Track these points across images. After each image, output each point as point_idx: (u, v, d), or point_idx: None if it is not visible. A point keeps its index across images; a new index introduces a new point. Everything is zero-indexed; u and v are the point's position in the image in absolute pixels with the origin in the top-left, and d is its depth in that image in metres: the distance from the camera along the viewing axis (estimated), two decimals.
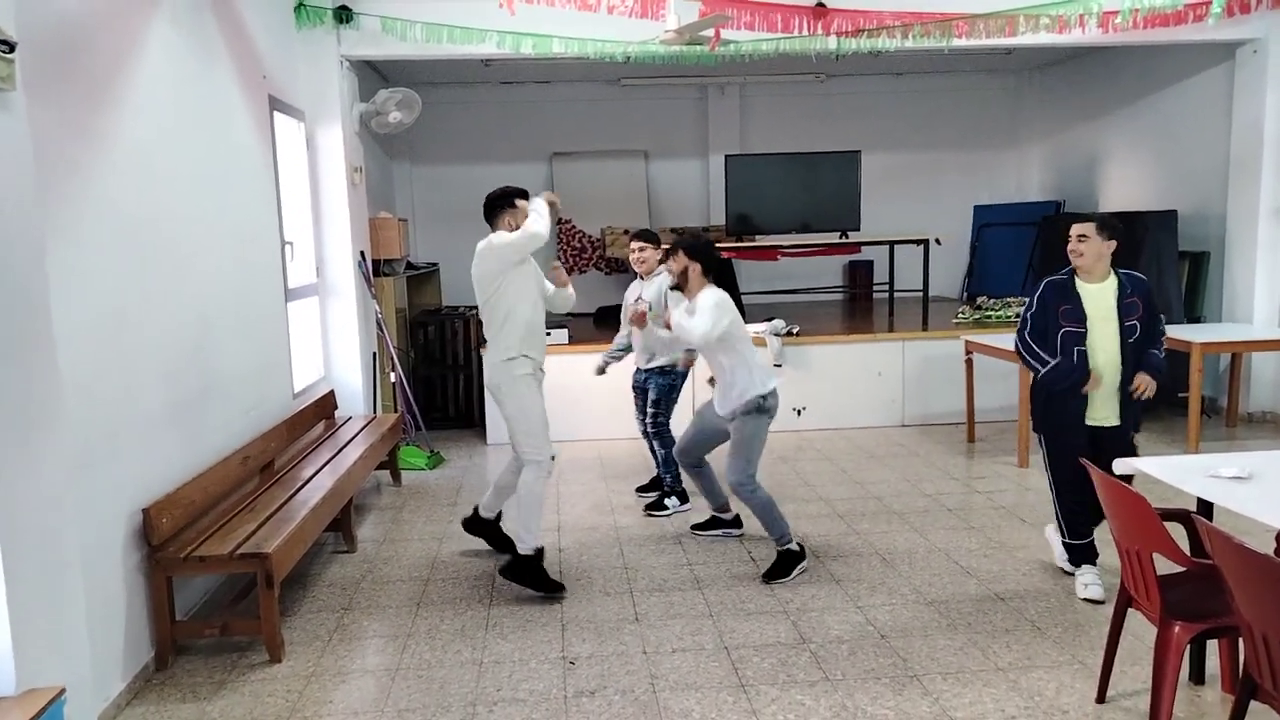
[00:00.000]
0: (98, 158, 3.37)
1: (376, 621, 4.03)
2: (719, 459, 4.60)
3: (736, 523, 4.92)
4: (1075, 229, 3.92)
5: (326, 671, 3.58)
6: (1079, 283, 3.97)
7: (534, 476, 4.27)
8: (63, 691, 2.40)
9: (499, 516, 4.77)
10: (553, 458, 4.39)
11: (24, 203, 2.51)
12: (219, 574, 4.14)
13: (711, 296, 4.33)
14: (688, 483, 5.20)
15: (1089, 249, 3.88)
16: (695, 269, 4.43)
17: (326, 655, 3.71)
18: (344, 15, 6.22)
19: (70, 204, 3.17)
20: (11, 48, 2.38)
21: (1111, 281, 3.94)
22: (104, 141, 3.42)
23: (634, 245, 5.34)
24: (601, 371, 5.65)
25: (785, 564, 4.37)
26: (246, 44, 5.10)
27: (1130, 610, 3.07)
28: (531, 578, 4.23)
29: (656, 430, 5.42)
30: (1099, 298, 3.93)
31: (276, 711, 3.29)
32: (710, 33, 5.67)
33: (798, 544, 4.43)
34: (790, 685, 3.36)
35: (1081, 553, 4.10)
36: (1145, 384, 3.93)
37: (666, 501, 5.39)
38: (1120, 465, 3.32)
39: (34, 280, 2.54)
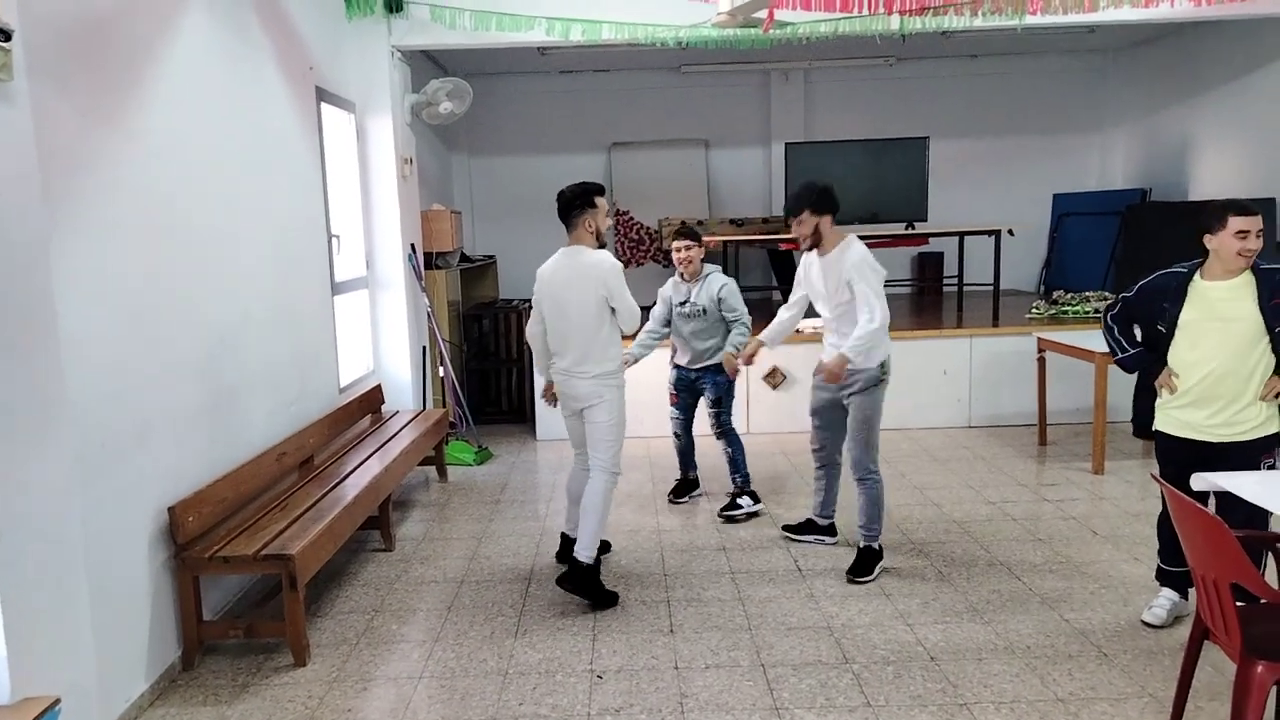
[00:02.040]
0: (124, 149, 3.32)
1: (406, 625, 3.93)
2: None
3: (831, 530, 4.73)
4: (1256, 223, 3.27)
5: (350, 677, 3.49)
6: (1198, 280, 3.41)
7: (607, 486, 4.15)
8: (57, 702, 2.34)
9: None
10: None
11: (25, 197, 2.45)
12: (245, 575, 4.09)
13: (859, 251, 4.09)
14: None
15: (1261, 244, 3.32)
16: (826, 222, 4.17)
17: (352, 659, 3.63)
18: (394, 5, 6.15)
19: (93, 197, 3.12)
20: (8, 36, 2.30)
21: (1245, 280, 3.32)
22: (130, 133, 3.37)
23: (678, 244, 5.12)
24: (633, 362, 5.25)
25: (868, 562, 4.28)
26: (291, 34, 5.06)
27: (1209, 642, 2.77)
28: (589, 589, 4.06)
29: (722, 431, 5.21)
30: (1221, 297, 3.35)
31: (295, 718, 3.21)
32: (764, 14, 5.41)
33: (879, 544, 4.34)
34: (828, 710, 3.14)
35: (1168, 577, 3.74)
36: (1271, 389, 3.32)
37: (740, 501, 5.16)
38: (1198, 480, 3.00)
39: (36, 278, 2.47)
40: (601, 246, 4.16)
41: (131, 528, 3.30)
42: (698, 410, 5.34)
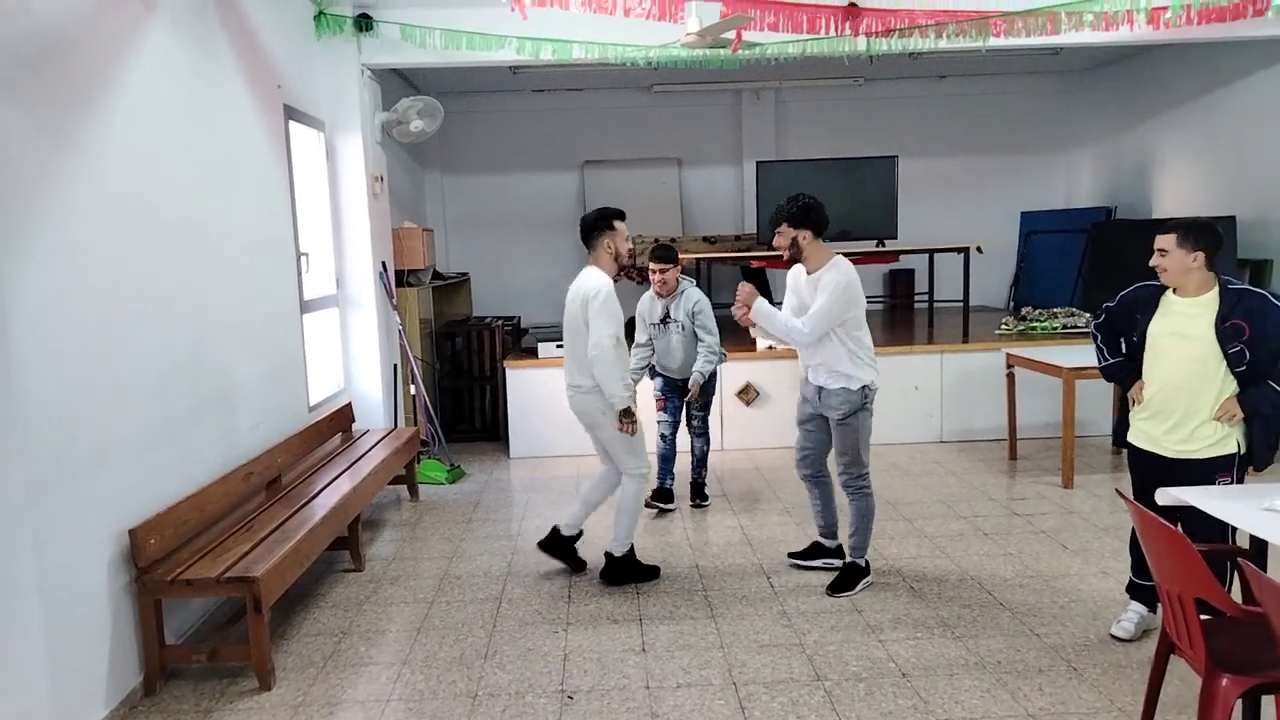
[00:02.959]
0: (82, 167, 3.28)
1: (374, 647, 3.88)
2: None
3: (839, 553, 4.49)
4: (1156, 241, 3.42)
5: (315, 701, 3.43)
6: (1169, 294, 3.48)
7: (637, 489, 4.44)
8: None
9: (579, 535, 4.64)
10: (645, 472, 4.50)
11: None
12: (209, 598, 4.01)
13: (840, 275, 4.00)
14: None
15: (1171, 263, 3.38)
16: (806, 237, 4.09)
17: (318, 683, 3.57)
18: (364, 23, 6.14)
19: (49, 215, 3.07)
20: None
21: (1210, 298, 3.37)
22: (88, 149, 3.32)
23: (654, 266, 5.27)
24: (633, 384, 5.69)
25: (851, 577, 4.27)
26: (259, 53, 5.03)
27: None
28: (631, 574, 4.45)
29: (704, 429, 5.64)
30: (1182, 314, 3.42)
31: None
32: (732, 35, 5.46)
33: (865, 560, 4.31)
34: None
35: (1138, 591, 3.77)
36: (1226, 411, 3.34)
37: (707, 491, 5.76)
38: (1162, 496, 3.03)
39: None
40: (621, 268, 4.45)
41: (89, 551, 3.23)
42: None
